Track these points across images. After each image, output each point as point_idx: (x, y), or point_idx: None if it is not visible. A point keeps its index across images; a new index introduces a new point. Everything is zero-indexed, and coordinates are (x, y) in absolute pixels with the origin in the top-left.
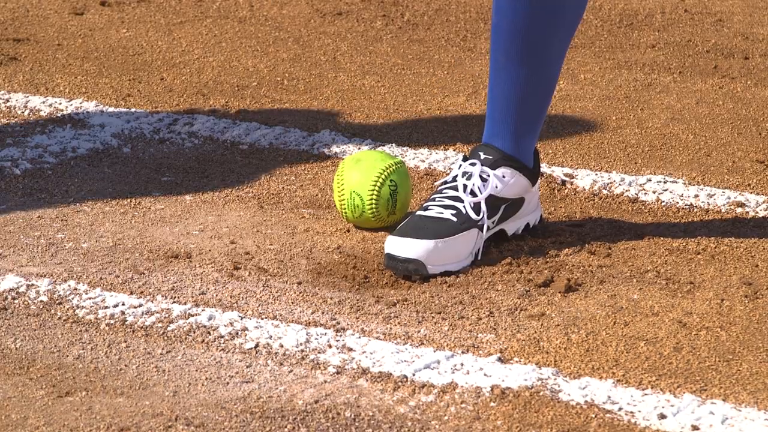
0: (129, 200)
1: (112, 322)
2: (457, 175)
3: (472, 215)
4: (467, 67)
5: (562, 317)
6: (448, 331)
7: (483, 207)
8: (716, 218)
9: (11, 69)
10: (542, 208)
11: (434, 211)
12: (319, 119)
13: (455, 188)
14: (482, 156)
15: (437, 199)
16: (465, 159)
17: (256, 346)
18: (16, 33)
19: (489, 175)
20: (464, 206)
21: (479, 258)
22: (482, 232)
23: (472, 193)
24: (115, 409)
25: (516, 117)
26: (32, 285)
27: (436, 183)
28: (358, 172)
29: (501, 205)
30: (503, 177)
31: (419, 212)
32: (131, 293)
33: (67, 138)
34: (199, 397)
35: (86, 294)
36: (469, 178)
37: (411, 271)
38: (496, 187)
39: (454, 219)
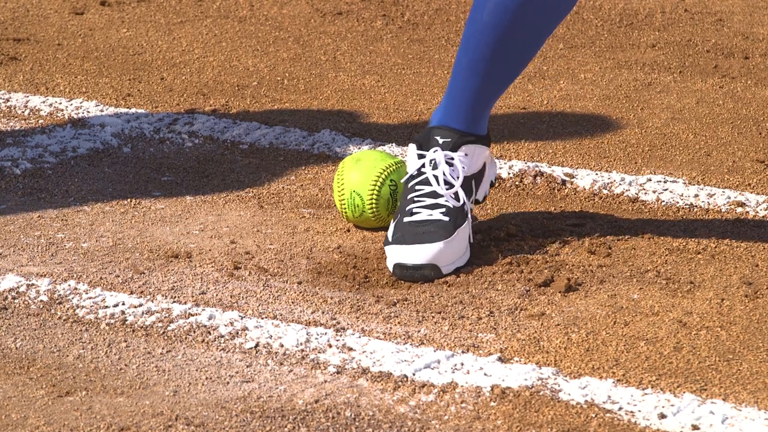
0: (129, 200)
1: (112, 321)
2: (421, 167)
3: (457, 205)
4: None
5: (562, 317)
6: (448, 331)
7: (461, 194)
8: (716, 218)
9: (11, 69)
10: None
11: (422, 215)
12: (319, 119)
13: (426, 182)
14: (440, 140)
15: (416, 200)
16: (420, 147)
17: (256, 345)
18: (16, 33)
19: (454, 158)
20: (446, 201)
21: (473, 242)
22: (469, 216)
23: (447, 183)
24: (116, 408)
25: (477, 98)
26: (32, 285)
27: (403, 180)
28: (358, 171)
29: (471, 182)
30: (466, 155)
31: (405, 218)
32: (131, 293)
33: (67, 138)
34: (200, 397)
35: (86, 294)
36: (435, 168)
37: (426, 277)
38: (464, 168)
39: (446, 218)
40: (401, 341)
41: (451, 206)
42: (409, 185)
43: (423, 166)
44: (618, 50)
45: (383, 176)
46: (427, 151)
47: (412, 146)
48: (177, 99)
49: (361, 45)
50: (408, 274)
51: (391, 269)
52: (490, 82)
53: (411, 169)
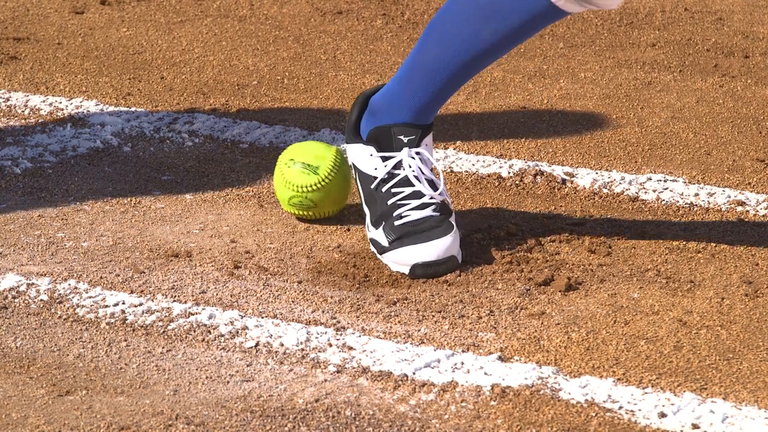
0: (129, 199)
1: (112, 320)
2: (394, 168)
3: (442, 198)
4: None
5: (562, 316)
6: (449, 330)
7: (442, 187)
8: (716, 217)
9: (11, 68)
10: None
11: (414, 215)
12: (319, 118)
13: (405, 183)
14: (405, 139)
15: (400, 203)
16: (381, 148)
17: (257, 344)
18: (16, 32)
19: (421, 154)
20: (432, 199)
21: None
22: (452, 206)
23: (429, 182)
24: (116, 407)
25: (440, 94)
26: (32, 284)
27: (372, 186)
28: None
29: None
30: (427, 145)
31: (397, 222)
32: (131, 292)
33: (67, 137)
34: (200, 396)
35: (86, 293)
36: (410, 166)
37: (449, 269)
38: (429, 160)
39: (439, 213)
40: (401, 340)
41: (439, 202)
42: (384, 189)
43: (396, 167)
44: (618, 49)
45: (281, 168)
46: (393, 151)
47: (369, 149)
48: (177, 98)
49: (361, 44)
50: (431, 271)
51: (405, 271)
52: (460, 78)
53: (374, 171)
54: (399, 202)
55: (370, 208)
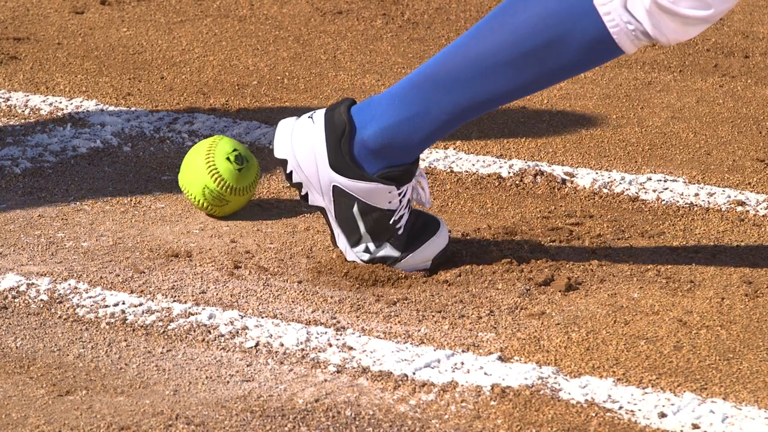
0: (129, 199)
1: (112, 320)
2: (406, 195)
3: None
4: None
5: (562, 316)
6: (449, 330)
7: (425, 184)
8: (716, 217)
9: (11, 68)
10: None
11: (404, 219)
12: None
13: (408, 202)
14: (417, 171)
15: (402, 220)
16: (399, 185)
17: (257, 344)
18: (16, 32)
19: (419, 170)
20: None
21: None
22: None
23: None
24: (116, 407)
25: (452, 129)
26: (32, 284)
27: (391, 221)
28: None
29: None
30: None
31: (399, 232)
32: (131, 292)
33: (67, 137)
34: (200, 396)
35: (86, 293)
36: (420, 188)
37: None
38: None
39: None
40: (401, 340)
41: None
42: (398, 216)
43: (407, 193)
44: None
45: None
46: (407, 183)
47: (388, 187)
48: (177, 98)
49: (361, 44)
50: (448, 253)
51: (426, 267)
52: (482, 113)
53: (388, 205)
54: (402, 224)
55: (374, 237)
